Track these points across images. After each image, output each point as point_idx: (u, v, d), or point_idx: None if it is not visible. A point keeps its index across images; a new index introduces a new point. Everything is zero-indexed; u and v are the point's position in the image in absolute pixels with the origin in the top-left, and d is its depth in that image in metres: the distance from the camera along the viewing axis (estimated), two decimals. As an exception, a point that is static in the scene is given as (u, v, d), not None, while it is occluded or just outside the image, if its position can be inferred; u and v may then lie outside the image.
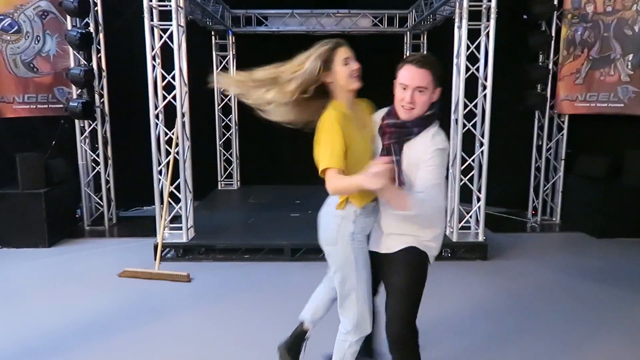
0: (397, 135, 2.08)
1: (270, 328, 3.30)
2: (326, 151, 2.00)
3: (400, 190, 1.97)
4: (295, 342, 2.57)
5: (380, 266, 2.22)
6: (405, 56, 2.14)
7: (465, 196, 4.83)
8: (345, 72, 2.10)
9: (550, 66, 5.86)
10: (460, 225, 4.76)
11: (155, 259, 4.38)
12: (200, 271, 4.36)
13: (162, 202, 4.61)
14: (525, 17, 5.80)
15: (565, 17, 5.80)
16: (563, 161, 6.01)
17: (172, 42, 4.47)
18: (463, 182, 4.76)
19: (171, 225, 4.83)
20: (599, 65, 5.56)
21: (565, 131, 5.98)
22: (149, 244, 4.70)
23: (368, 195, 2.10)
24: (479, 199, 4.78)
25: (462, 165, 4.69)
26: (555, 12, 5.74)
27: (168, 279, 4.16)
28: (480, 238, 4.74)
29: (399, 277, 2.12)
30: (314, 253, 4.71)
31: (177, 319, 3.47)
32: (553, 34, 5.80)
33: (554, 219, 6.16)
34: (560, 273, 4.33)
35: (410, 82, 2.01)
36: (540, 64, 5.88)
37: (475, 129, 4.70)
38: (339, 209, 2.14)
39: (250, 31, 7.06)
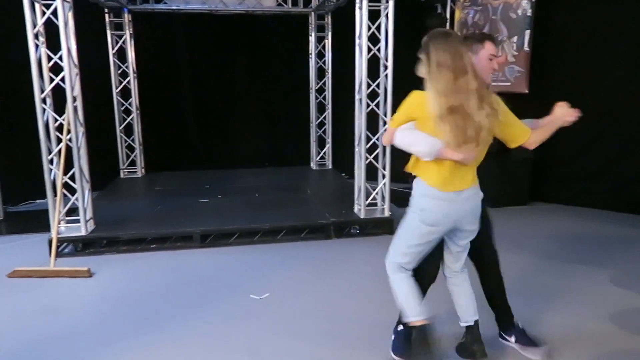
0: None
1: (181, 318, 3.22)
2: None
3: None
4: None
5: None
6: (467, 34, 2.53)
7: (371, 174, 4.99)
8: None
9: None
10: (367, 202, 4.92)
11: (50, 256, 4.07)
12: (102, 265, 4.12)
13: (55, 194, 4.27)
14: (422, -1, 6.07)
15: (458, 0, 6.13)
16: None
17: (57, 19, 4.10)
18: (369, 160, 4.91)
19: (68, 218, 4.50)
20: (488, 46, 5.95)
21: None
22: (43, 240, 4.34)
23: None
24: (384, 176, 4.95)
25: (367, 143, 4.83)
26: (449, -4, 6.06)
27: (66, 276, 3.88)
28: (387, 213, 4.94)
29: None
30: (225, 238, 4.64)
31: (79, 317, 3.25)
32: (448, 17, 6.11)
33: (453, 192, 6.56)
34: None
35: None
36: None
37: (378, 108, 4.85)
38: None
39: (147, 9, 6.64)
